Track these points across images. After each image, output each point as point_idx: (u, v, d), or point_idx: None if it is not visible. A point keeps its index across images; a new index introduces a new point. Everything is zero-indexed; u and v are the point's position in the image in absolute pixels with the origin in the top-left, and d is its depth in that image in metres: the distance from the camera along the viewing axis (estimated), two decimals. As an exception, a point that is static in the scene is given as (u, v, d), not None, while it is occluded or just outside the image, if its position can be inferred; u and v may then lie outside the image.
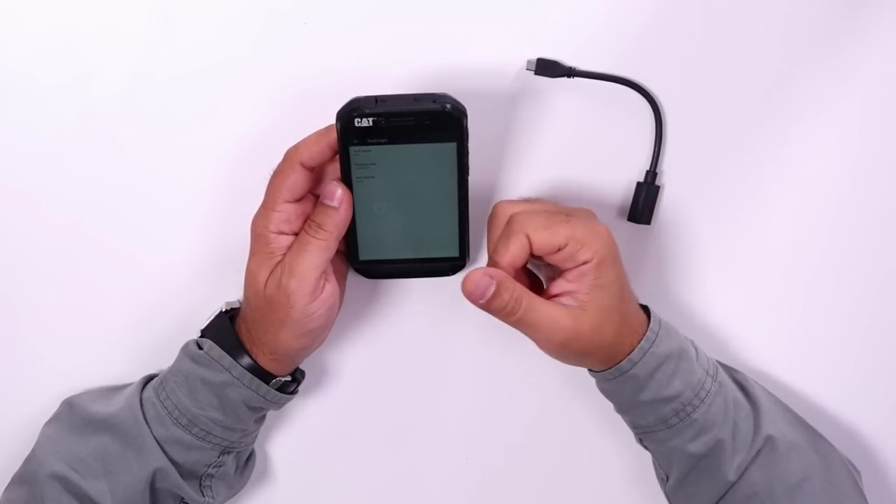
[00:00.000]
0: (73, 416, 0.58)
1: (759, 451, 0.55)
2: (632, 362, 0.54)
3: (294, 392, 0.59)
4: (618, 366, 0.54)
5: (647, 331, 0.54)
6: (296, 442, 0.65)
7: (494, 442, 0.65)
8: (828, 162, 0.60)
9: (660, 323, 0.55)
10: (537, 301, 0.53)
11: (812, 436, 0.58)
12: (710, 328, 0.63)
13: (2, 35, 0.58)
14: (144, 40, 0.58)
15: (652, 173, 0.59)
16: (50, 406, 0.60)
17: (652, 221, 0.60)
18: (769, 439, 0.55)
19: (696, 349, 0.56)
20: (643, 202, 0.60)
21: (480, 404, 0.65)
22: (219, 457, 0.58)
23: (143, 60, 0.58)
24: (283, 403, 0.59)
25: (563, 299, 0.53)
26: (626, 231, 0.61)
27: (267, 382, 0.56)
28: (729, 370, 0.59)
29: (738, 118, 0.59)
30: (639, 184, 0.60)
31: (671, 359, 0.54)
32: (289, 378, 0.58)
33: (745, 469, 0.54)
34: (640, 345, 0.54)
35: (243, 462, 0.62)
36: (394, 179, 0.54)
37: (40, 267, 0.61)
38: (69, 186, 0.60)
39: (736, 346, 0.63)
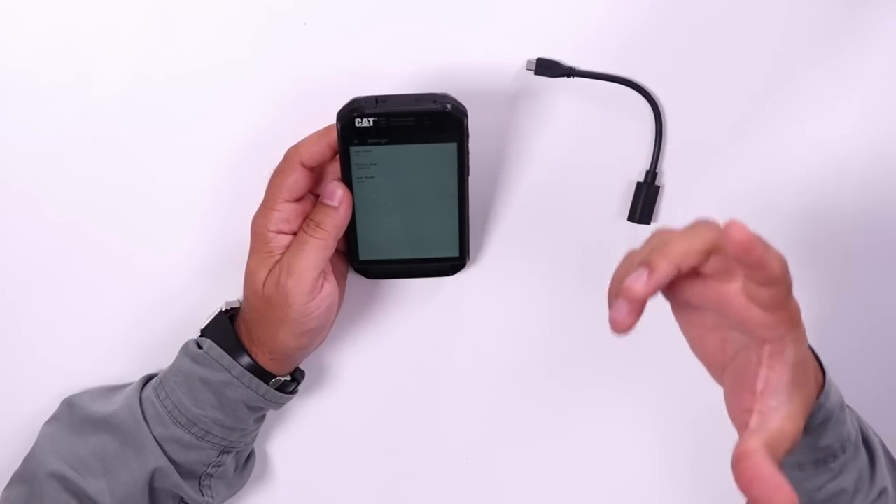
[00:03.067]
0: (73, 415, 0.58)
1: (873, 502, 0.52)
2: (819, 405, 0.48)
3: (294, 392, 0.59)
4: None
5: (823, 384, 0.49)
6: (296, 442, 0.65)
7: (494, 442, 0.65)
8: (828, 162, 0.60)
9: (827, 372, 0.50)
10: None
11: None
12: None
13: (2, 35, 0.58)
14: (144, 41, 0.58)
15: (652, 173, 0.59)
16: (50, 406, 0.60)
17: (652, 221, 0.60)
18: (883, 492, 0.52)
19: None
20: (643, 202, 0.60)
21: (480, 404, 0.65)
22: (218, 456, 0.58)
23: (142, 61, 0.58)
24: (283, 403, 0.59)
25: None
26: (626, 231, 0.61)
27: (266, 382, 0.56)
28: (850, 411, 0.53)
29: (737, 118, 0.59)
30: (639, 184, 0.60)
31: (840, 407, 0.50)
32: (288, 378, 0.58)
33: None
34: (823, 391, 0.48)
35: (243, 462, 0.62)
36: (394, 179, 0.54)
37: (40, 267, 0.61)
38: (69, 186, 0.60)
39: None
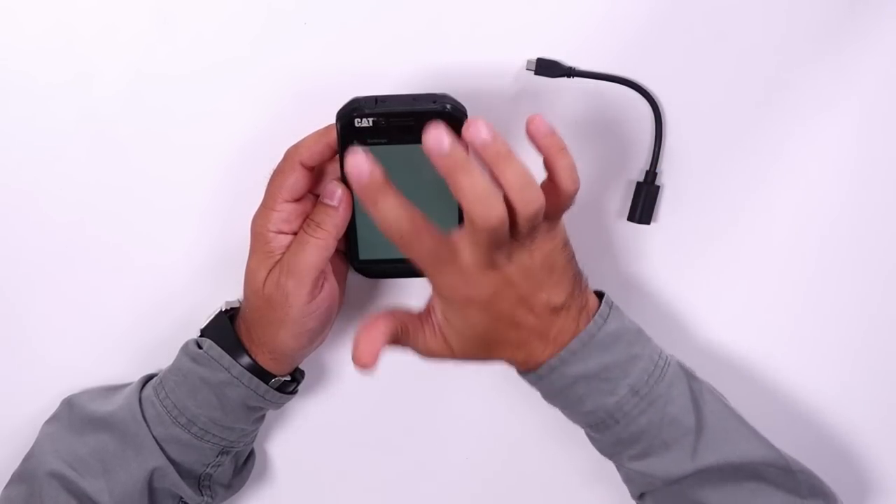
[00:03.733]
0: (73, 414, 0.58)
1: (683, 479, 0.52)
2: (538, 377, 0.53)
3: (293, 392, 0.59)
4: (525, 374, 0.53)
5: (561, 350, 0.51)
6: (296, 442, 0.65)
7: (494, 442, 0.65)
8: (828, 162, 0.60)
9: (587, 342, 0.51)
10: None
11: (771, 463, 0.53)
12: (709, 328, 0.63)
13: (2, 35, 0.58)
14: (144, 40, 0.58)
15: (652, 173, 0.59)
16: (50, 406, 0.60)
17: (652, 221, 0.60)
18: (699, 472, 0.52)
19: (639, 362, 0.52)
20: (643, 202, 0.60)
21: (480, 404, 0.65)
22: (217, 456, 0.58)
23: (142, 60, 0.58)
24: (283, 403, 0.59)
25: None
26: (625, 231, 0.61)
27: (266, 382, 0.56)
28: (691, 381, 0.54)
29: (737, 118, 0.59)
30: (639, 184, 0.60)
31: (584, 380, 0.52)
32: (288, 378, 0.58)
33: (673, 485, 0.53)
34: (547, 362, 0.52)
35: (242, 462, 0.62)
36: (394, 180, 0.54)
37: (40, 267, 0.61)
38: (69, 186, 0.60)
39: (735, 346, 0.63)
